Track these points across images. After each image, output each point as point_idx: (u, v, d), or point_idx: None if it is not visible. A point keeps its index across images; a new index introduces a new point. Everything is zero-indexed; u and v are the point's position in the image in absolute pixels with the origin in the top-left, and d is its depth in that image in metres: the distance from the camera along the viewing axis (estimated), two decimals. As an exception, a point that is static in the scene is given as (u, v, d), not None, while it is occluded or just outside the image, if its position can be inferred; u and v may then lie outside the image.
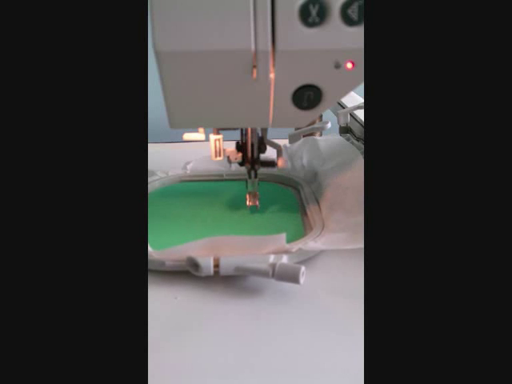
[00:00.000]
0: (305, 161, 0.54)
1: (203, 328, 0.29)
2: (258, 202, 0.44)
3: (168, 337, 0.29)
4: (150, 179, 0.51)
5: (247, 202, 0.44)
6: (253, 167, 0.43)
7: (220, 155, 0.41)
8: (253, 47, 0.29)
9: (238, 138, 0.43)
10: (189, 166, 0.55)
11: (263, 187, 0.50)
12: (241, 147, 0.42)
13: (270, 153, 0.43)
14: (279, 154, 0.44)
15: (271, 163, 0.43)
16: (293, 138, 0.50)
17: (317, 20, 0.28)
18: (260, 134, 0.42)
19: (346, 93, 0.33)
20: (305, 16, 0.28)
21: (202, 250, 0.33)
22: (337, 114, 0.60)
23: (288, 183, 0.52)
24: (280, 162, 0.44)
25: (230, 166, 0.44)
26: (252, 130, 0.41)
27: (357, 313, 0.29)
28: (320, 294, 0.32)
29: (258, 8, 0.28)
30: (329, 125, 0.50)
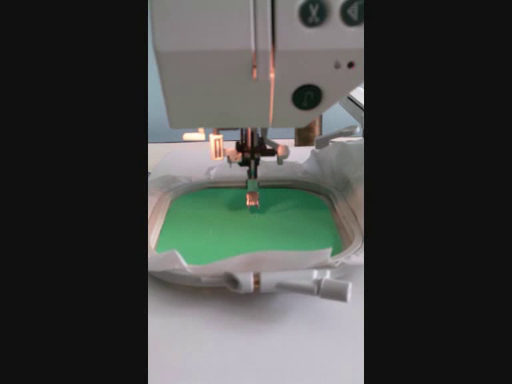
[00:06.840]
0: (334, 166, 0.51)
1: (203, 328, 0.30)
2: (257, 202, 0.44)
3: (168, 337, 0.29)
4: (173, 185, 0.50)
5: (247, 202, 0.44)
6: (252, 156, 0.42)
7: (220, 155, 0.41)
8: (253, 47, 0.29)
9: (238, 138, 0.43)
10: (212, 172, 0.53)
11: (292, 194, 0.49)
12: (241, 147, 0.42)
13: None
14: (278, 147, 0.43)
15: (271, 151, 0.42)
16: (320, 143, 0.48)
17: (317, 20, 0.28)
18: (260, 134, 0.42)
19: (346, 93, 0.33)
20: (305, 16, 0.28)
21: (240, 265, 0.31)
22: (361, 118, 0.58)
23: (318, 191, 0.50)
24: (280, 150, 0.42)
25: (230, 166, 0.44)
26: (252, 129, 0.41)
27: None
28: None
29: (258, 8, 0.28)
30: (358, 129, 0.47)
